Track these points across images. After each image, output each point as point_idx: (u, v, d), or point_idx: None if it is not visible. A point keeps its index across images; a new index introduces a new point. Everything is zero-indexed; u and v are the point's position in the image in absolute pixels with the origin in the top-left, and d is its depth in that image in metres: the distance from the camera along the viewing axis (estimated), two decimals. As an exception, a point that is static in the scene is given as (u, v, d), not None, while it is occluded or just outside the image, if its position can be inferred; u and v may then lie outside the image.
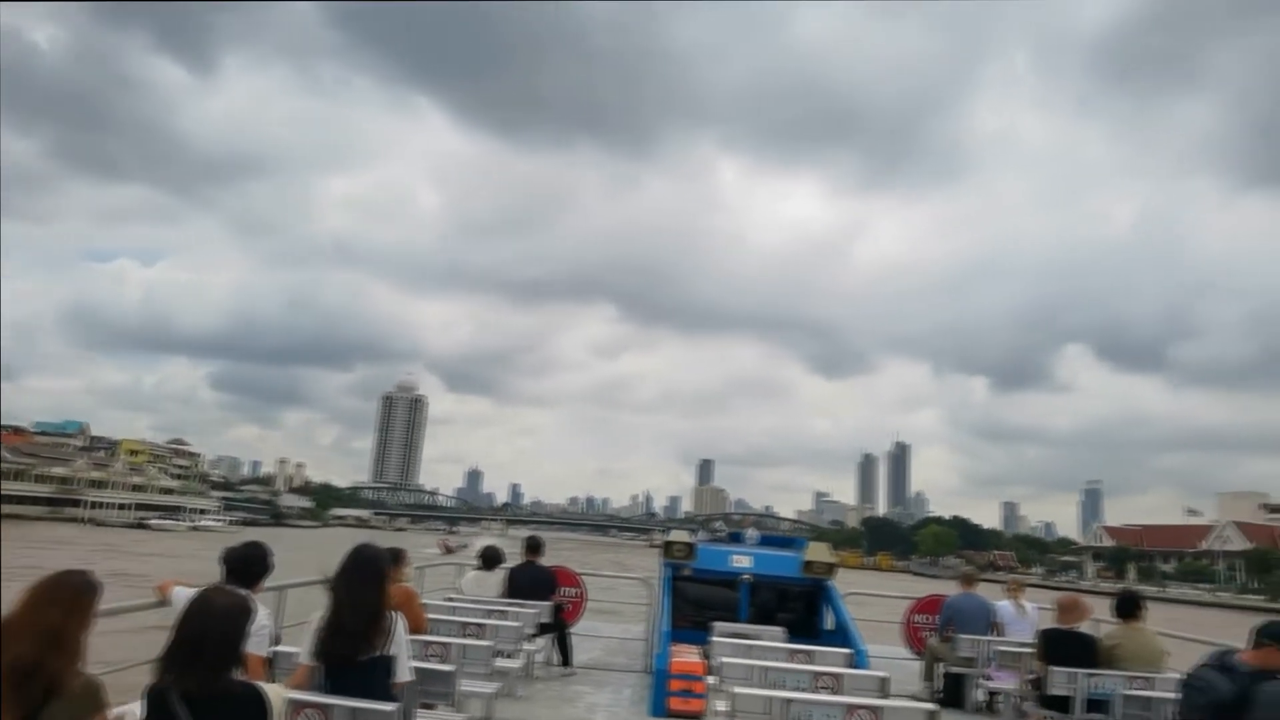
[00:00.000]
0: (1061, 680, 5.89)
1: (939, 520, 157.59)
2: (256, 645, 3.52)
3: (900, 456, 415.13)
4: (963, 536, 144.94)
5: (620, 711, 6.75)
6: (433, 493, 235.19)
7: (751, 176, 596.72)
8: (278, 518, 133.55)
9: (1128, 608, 6.18)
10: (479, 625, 6.31)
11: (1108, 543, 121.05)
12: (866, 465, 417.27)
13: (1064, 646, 6.12)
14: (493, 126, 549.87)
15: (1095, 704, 5.73)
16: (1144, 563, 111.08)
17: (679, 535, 8.25)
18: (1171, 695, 5.07)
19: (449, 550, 34.61)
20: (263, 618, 3.67)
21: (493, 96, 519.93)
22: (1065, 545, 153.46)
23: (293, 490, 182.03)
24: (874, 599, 10.48)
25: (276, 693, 2.68)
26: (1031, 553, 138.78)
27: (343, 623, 3.42)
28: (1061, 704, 5.90)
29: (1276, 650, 3.69)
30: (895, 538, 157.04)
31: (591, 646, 9.10)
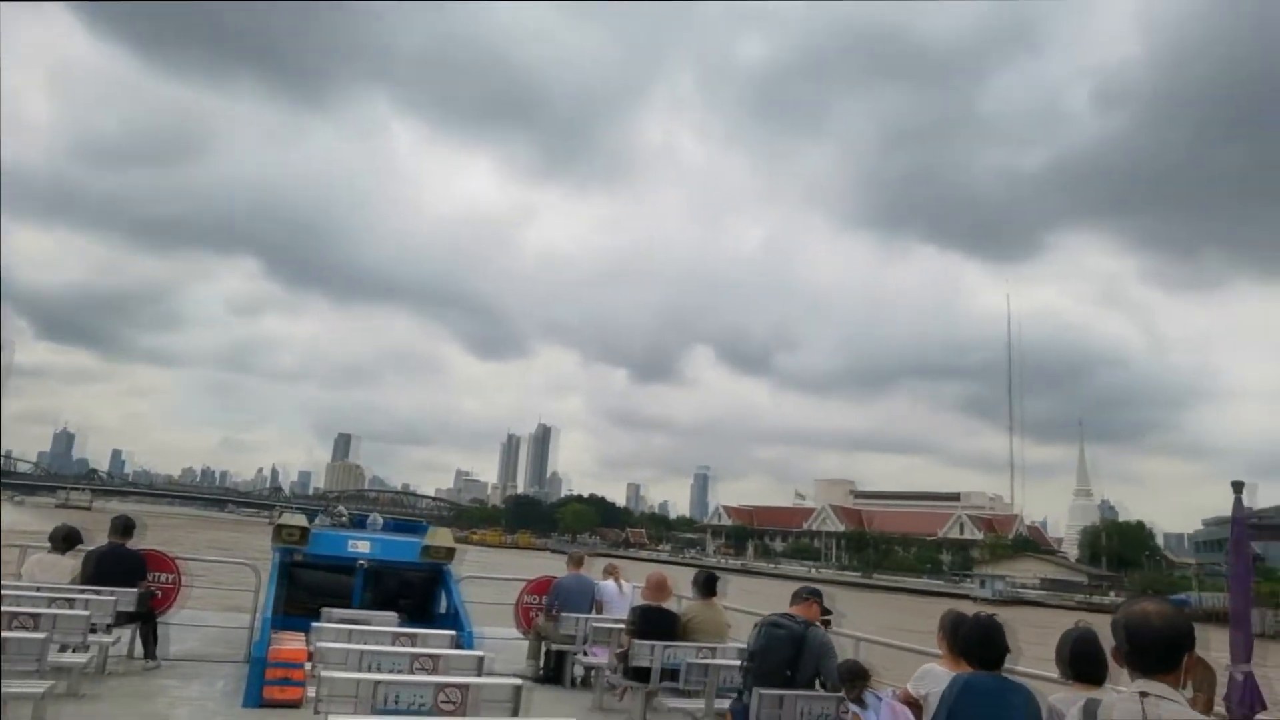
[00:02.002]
0: (643, 653, 6.90)
1: (580, 499, 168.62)
2: None
3: (543, 438, 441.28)
4: (601, 514, 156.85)
5: (209, 705, 6.55)
6: (4, 456, 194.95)
7: (428, 145, 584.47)
8: None
9: (706, 587, 7.42)
10: (32, 616, 5.63)
11: (727, 521, 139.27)
12: (510, 446, 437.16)
13: (651, 622, 7.18)
14: (133, 40, 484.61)
15: (671, 673, 6.81)
16: (759, 540, 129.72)
17: (292, 519, 8.09)
18: (728, 663, 6.18)
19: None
20: None
21: (137, 7, 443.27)
22: (687, 523, 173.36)
23: None
24: (497, 581, 11.13)
25: None
26: (660, 530, 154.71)
27: None
28: (644, 674, 6.91)
29: (813, 604, 5.46)
30: (537, 516, 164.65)
31: (188, 637, 8.61)
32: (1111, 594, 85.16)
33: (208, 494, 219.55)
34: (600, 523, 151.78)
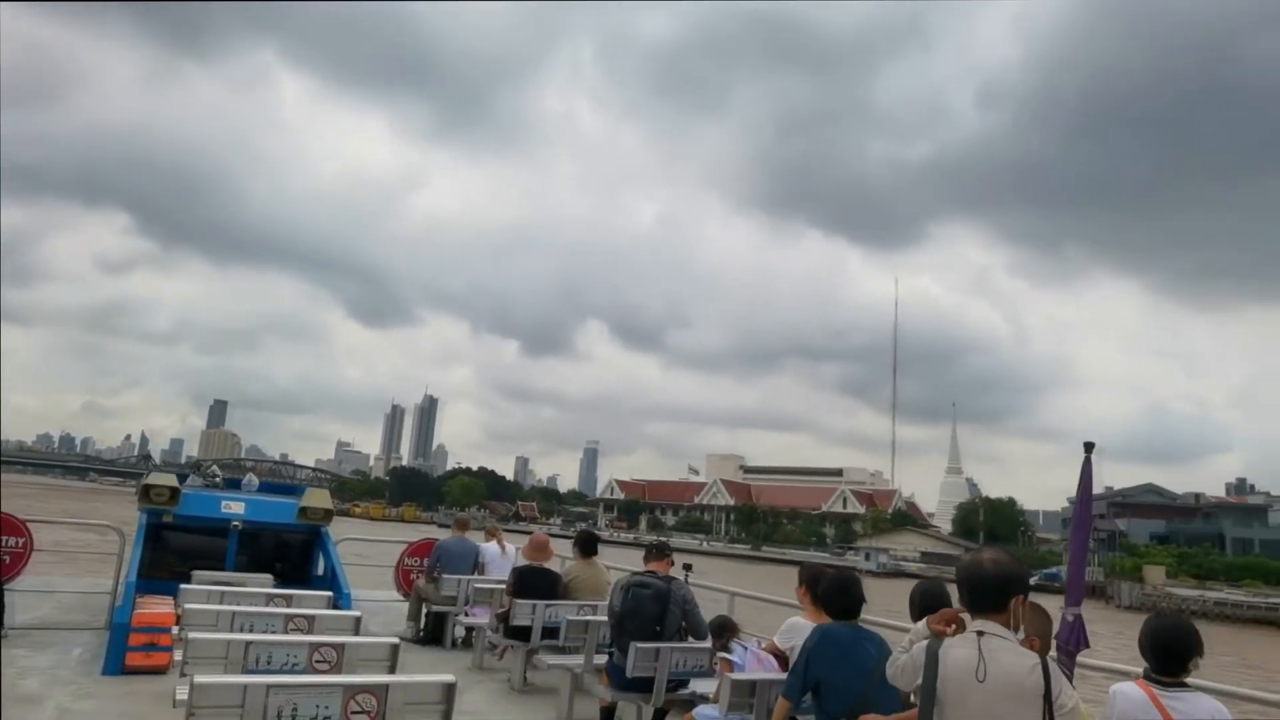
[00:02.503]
0: (524, 612, 7.12)
1: (468, 471, 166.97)
2: None
3: (429, 410, 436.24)
4: (489, 488, 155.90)
5: (63, 674, 6.36)
6: None
7: (316, 101, 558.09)
8: None
9: (586, 547, 7.68)
10: None
11: (619, 495, 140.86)
12: (394, 417, 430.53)
13: (531, 582, 7.39)
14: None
15: (551, 631, 7.05)
16: (651, 514, 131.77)
17: (161, 478, 7.90)
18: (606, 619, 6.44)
19: None
20: None
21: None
22: (578, 497, 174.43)
23: None
24: (377, 545, 11.10)
25: None
26: (550, 504, 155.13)
27: None
28: (524, 633, 7.12)
29: (668, 559, 6.08)
30: (422, 489, 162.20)
31: (41, 604, 8.32)
32: None
33: (66, 461, 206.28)
34: (489, 496, 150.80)
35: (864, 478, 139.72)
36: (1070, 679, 3.31)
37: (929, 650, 2.77)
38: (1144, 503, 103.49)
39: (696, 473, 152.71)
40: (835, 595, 4.27)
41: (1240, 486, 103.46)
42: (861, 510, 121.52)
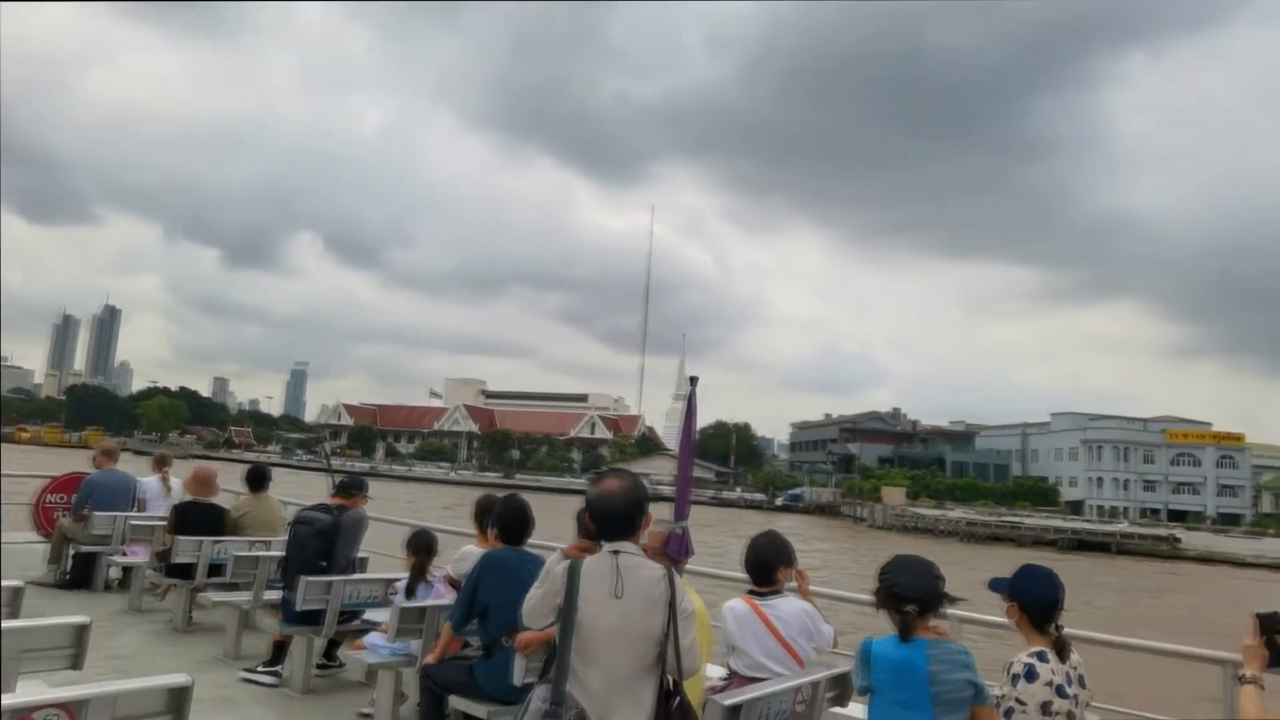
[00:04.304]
0: (187, 549, 6.99)
1: (166, 392, 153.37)
2: None
3: (109, 321, 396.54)
4: (193, 410, 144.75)
5: None
6: None
7: None
8: None
9: (256, 481, 7.65)
10: None
11: (348, 421, 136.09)
12: (65, 328, 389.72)
13: (195, 518, 7.24)
14: None
15: (218, 568, 6.97)
16: (386, 441, 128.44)
17: None
18: (278, 555, 6.49)
19: None
20: None
21: None
22: (293, 421, 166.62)
23: None
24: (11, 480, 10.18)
25: None
26: (266, 429, 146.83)
27: None
28: (188, 571, 6.98)
29: (358, 497, 6.33)
30: (109, 411, 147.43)
31: None
32: (739, 489, 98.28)
33: None
34: (191, 420, 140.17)
35: (607, 404, 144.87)
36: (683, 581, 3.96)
37: (570, 570, 3.15)
38: (870, 429, 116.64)
39: (439, 396, 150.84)
40: (504, 523, 4.68)
41: (894, 415, 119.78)
42: (609, 436, 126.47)
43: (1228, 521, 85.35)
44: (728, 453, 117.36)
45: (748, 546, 4.28)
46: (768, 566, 4.18)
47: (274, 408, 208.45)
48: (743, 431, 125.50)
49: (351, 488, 6.33)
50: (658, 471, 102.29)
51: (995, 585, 3.42)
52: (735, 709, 3.22)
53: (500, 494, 5.01)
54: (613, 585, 3.01)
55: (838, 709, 4.01)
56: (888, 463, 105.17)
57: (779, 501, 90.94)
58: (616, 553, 3.09)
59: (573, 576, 3.05)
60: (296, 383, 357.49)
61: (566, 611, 3.02)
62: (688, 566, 4.53)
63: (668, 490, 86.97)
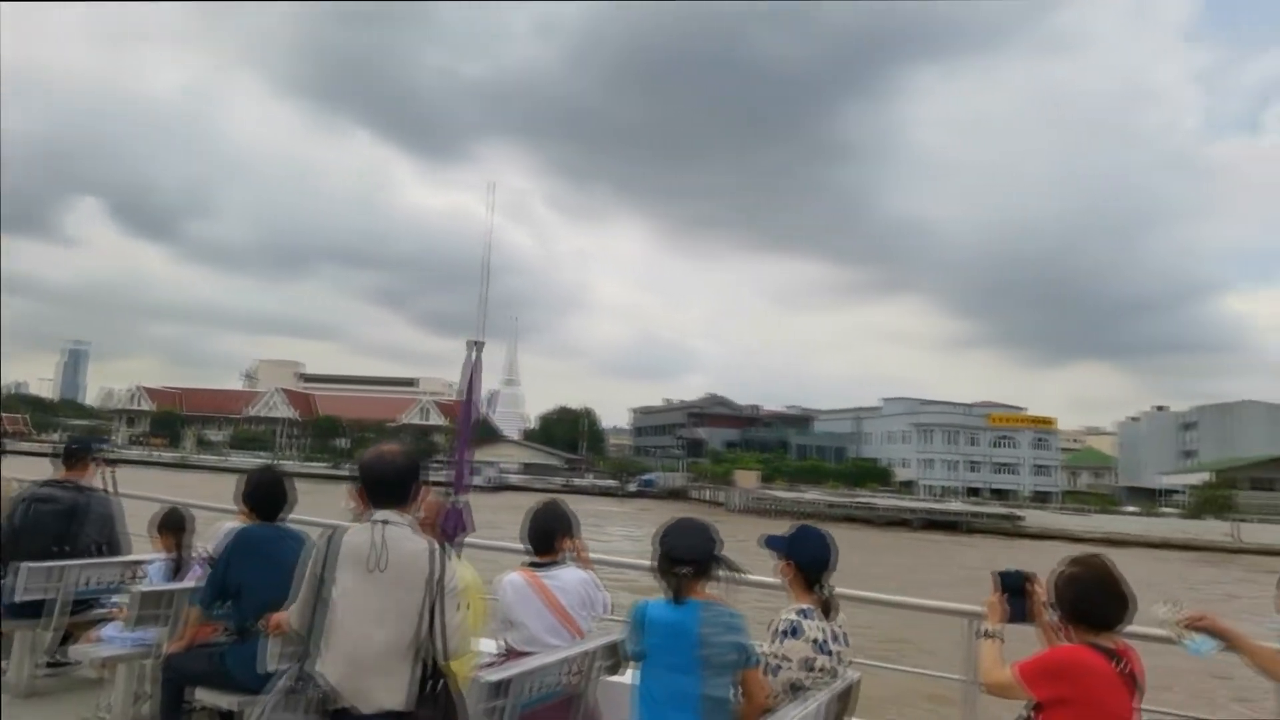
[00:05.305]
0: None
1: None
2: None
3: None
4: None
5: None
6: None
7: None
8: None
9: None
10: None
11: (148, 406, 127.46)
12: None
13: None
14: None
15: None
16: (194, 428, 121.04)
17: None
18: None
19: None
20: None
21: None
22: (75, 407, 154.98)
23: None
24: None
25: None
26: (45, 416, 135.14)
27: None
28: None
29: (83, 466, 5.66)
30: None
31: None
32: (590, 476, 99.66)
33: None
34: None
35: (440, 388, 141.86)
36: (458, 557, 3.82)
37: (329, 539, 3.02)
38: (714, 413, 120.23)
39: (253, 379, 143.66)
40: (259, 498, 4.45)
41: (711, 399, 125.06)
42: (444, 422, 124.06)
43: (1041, 499, 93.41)
44: (574, 439, 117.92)
45: (529, 515, 4.23)
46: (549, 535, 4.14)
47: (46, 390, 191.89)
48: (589, 417, 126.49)
49: (80, 452, 5.70)
50: (505, 460, 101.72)
51: (772, 543, 3.45)
52: (501, 685, 3.09)
53: (330, 484, 4.68)
54: (372, 558, 2.91)
55: (613, 678, 3.93)
56: (735, 446, 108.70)
57: (631, 487, 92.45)
58: (384, 523, 2.98)
59: (331, 545, 2.98)
60: (74, 363, 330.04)
61: (318, 582, 2.94)
62: (468, 540, 4.45)
63: (515, 480, 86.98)
